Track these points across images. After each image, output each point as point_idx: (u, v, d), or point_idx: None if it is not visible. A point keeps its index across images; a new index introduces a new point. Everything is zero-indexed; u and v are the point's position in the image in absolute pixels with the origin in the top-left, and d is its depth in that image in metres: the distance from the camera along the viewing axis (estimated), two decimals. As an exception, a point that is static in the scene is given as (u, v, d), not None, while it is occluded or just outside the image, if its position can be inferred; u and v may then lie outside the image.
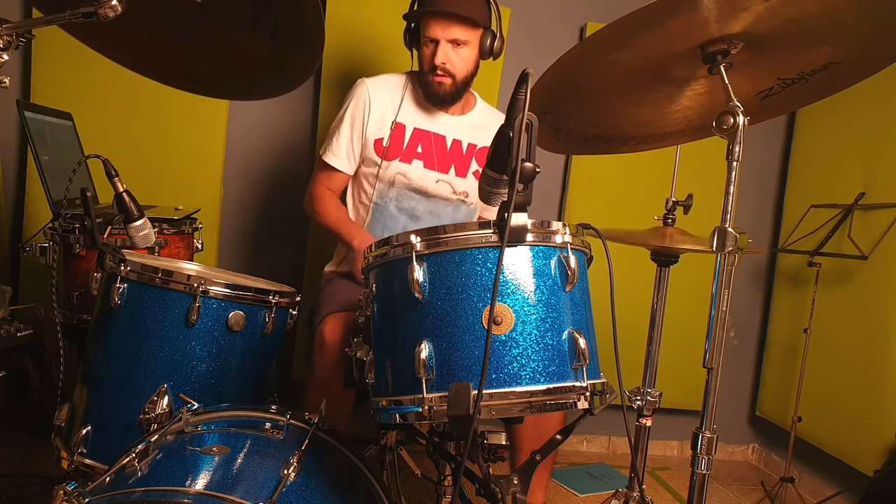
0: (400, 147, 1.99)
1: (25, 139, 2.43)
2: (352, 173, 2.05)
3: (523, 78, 0.98)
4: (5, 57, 0.95)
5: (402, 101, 1.99)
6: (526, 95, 0.98)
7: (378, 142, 1.98)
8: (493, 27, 1.93)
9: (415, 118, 2.02)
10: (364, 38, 2.64)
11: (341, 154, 2.01)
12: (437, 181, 2.02)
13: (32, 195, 2.45)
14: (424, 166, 2.01)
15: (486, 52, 1.93)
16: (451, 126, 2.04)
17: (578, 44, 1.13)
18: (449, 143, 2.04)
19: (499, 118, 2.14)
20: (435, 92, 1.95)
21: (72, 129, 2.09)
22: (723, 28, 1.07)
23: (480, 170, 2.04)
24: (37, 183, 2.06)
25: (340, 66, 2.62)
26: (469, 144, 2.05)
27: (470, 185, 2.06)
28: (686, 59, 1.16)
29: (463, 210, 2.09)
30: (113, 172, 1.47)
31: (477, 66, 1.97)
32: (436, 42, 1.88)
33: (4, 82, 0.97)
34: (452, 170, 2.04)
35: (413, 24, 1.97)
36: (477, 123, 2.07)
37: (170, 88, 1.43)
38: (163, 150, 2.55)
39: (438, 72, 1.90)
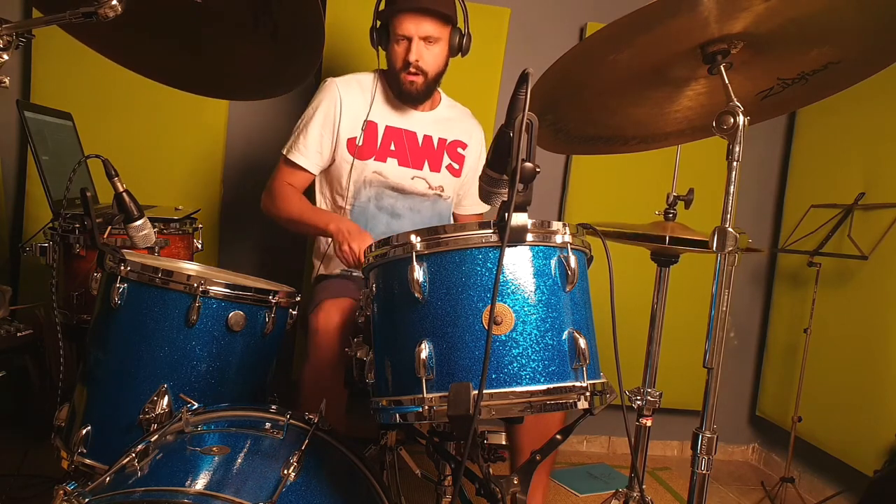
0: (374, 146, 1.99)
1: (25, 139, 2.43)
2: (316, 173, 2.02)
3: (523, 78, 0.98)
4: (5, 57, 0.95)
5: (373, 100, 1.99)
6: (526, 95, 0.98)
7: (351, 141, 1.97)
8: (461, 25, 1.95)
9: (386, 116, 2.02)
10: (364, 39, 2.62)
11: (308, 153, 1.98)
12: (413, 178, 2.03)
13: (32, 195, 2.45)
14: (399, 164, 2.01)
15: (455, 49, 1.95)
16: (422, 122, 2.06)
17: (578, 44, 1.13)
18: (420, 139, 2.05)
19: (463, 112, 2.17)
20: (407, 90, 1.95)
21: (72, 129, 2.09)
22: (723, 28, 1.07)
23: (453, 164, 2.06)
24: (37, 183, 2.06)
25: (340, 66, 2.61)
26: (440, 139, 2.07)
27: (444, 180, 2.07)
28: (686, 59, 1.16)
29: (441, 205, 2.10)
30: (113, 172, 1.47)
31: (447, 64, 1.98)
32: (409, 39, 1.88)
33: (4, 82, 0.97)
34: (426, 165, 2.05)
35: (380, 23, 1.96)
36: (444, 118, 2.10)
37: (170, 88, 1.43)
38: (163, 150, 2.55)
39: (411, 69, 1.90)
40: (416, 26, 1.86)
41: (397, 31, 1.89)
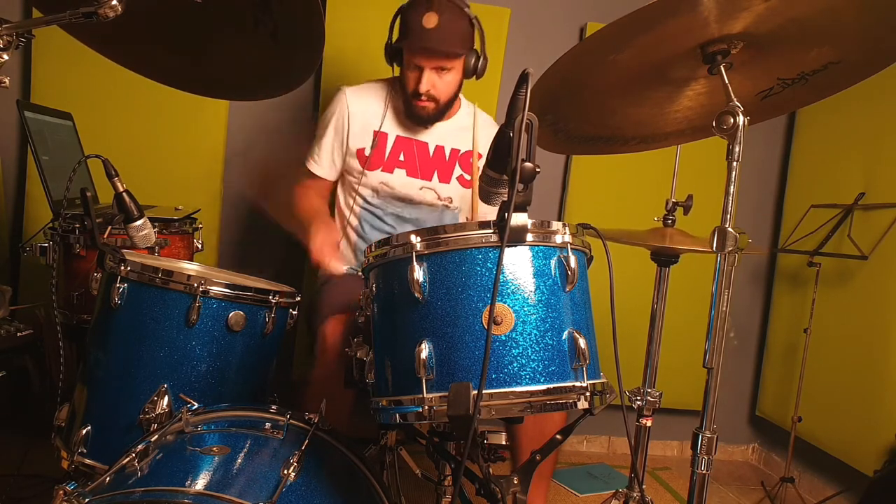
0: (382, 156, 1.99)
1: (25, 139, 2.43)
2: (334, 179, 2.06)
3: (523, 78, 0.98)
4: (5, 57, 0.95)
5: (384, 111, 1.99)
6: (526, 95, 0.98)
7: (360, 151, 1.99)
8: (477, 47, 1.90)
9: (397, 126, 2.01)
10: (364, 39, 2.64)
11: (322, 162, 2.03)
12: (421, 188, 2.03)
13: (32, 195, 2.45)
14: (407, 174, 2.01)
15: (469, 73, 1.90)
16: (434, 133, 2.04)
17: (578, 44, 1.13)
18: (432, 150, 2.04)
19: (483, 120, 2.11)
20: (418, 114, 1.94)
21: (72, 129, 2.09)
22: (723, 28, 1.07)
23: (464, 174, 2.04)
24: (37, 183, 2.06)
25: (340, 66, 2.61)
26: (452, 150, 2.05)
27: (454, 190, 2.06)
28: (686, 59, 1.16)
29: (448, 215, 2.09)
30: (113, 172, 1.47)
31: (460, 87, 1.96)
32: (420, 68, 1.85)
33: (4, 82, 0.96)
34: (435, 176, 2.04)
35: (395, 41, 1.93)
36: (461, 127, 2.06)
37: (170, 88, 1.43)
38: (163, 150, 2.55)
39: (423, 97, 1.88)
40: (427, 60, 1.84)
41: (410, 59, 1.86)
